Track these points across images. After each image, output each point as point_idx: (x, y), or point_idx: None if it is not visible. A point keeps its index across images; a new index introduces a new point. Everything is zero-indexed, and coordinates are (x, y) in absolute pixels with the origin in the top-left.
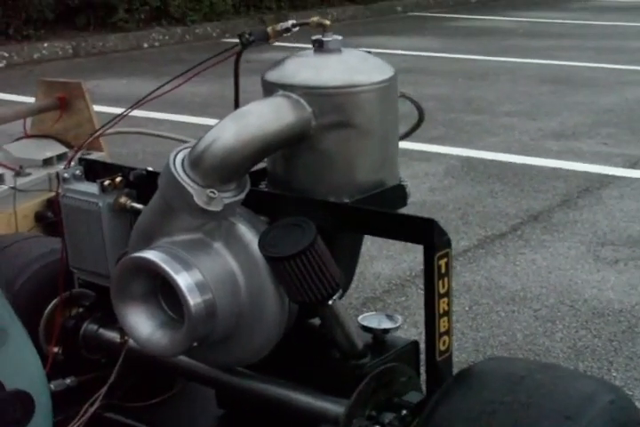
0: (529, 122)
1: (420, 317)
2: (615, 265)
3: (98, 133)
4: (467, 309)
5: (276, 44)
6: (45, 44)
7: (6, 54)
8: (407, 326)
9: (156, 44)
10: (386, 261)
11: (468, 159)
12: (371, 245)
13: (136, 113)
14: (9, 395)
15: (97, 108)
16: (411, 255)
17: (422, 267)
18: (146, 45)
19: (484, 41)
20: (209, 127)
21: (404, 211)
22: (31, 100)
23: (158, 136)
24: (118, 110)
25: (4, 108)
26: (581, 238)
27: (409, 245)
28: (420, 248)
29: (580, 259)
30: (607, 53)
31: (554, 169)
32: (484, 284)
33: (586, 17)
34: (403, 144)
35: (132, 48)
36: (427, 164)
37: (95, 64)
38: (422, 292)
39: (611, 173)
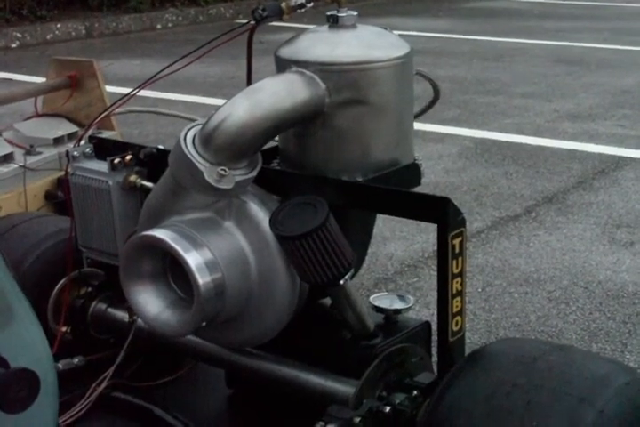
0: (544, 103)
1: (432, 298)
2: (630, 247)
3: (108, 112)
4: (480, 290)
5: (291, 24)
6: (59, 25)
7: (19, 35)
8: (419, 307)
9: (170, 24)
10: (398, 241)
11: (483, 141)
12: (383, 226)
13: (149, 93)
14: (14, 373)
15: (110, 88)
16: (424, 236)
17: (435, 248)
18: (159, 26)
19: (498, 22)
20: None
21: (417, 191)
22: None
23: (169, 115)
24: None
25: (16, 87)
26: (596, 220)
27: (422, 225)
28: (433, 229)
29: (595, 241)
30: (622, 35)
31: (569, 151)
32: (498, 265)
33: None
34: (416, 125)
35: (145, 29)
36: (441, 145)
37: (108, 45)
38: (435, 273)
39: (627, 154)
